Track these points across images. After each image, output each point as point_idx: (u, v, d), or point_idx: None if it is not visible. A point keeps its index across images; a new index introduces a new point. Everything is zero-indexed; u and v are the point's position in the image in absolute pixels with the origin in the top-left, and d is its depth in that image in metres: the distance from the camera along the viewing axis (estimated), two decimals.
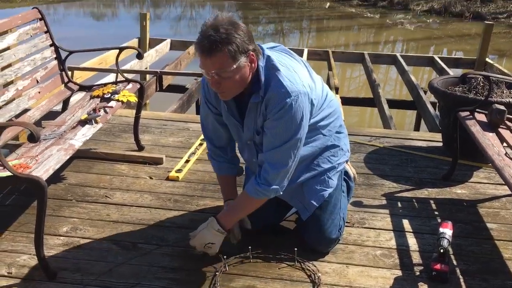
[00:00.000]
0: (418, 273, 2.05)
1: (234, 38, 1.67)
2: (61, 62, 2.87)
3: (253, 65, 1.76)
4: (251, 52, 1.73)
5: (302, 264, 2.06)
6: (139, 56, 2.89)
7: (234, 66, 1.71)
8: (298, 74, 1.84)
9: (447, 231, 2.08)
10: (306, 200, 2.10)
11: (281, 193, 1.96)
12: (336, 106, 2.13)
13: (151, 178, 2.79)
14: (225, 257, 2.03)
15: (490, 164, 2.95)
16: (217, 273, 1.93)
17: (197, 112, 5.17)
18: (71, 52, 2.91)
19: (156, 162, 2.96)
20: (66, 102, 2.98)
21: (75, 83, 2.95)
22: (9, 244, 2.14)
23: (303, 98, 1.81)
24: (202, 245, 1.99)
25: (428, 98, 4.69)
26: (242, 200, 2.04)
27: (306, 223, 2.12)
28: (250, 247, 2.08)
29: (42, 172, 1.91)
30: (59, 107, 3.14)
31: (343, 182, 2.24)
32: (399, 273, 2.05)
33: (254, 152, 2.03)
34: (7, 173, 1.80)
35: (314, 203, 2.09)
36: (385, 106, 4.53)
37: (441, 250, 2.01)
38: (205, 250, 2.00)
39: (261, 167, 1.94)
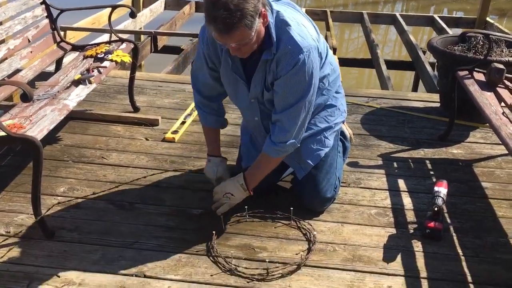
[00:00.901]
0: (412, 231, 2.08)
1: (247, 10, 1.60)
2: (52, 20, 2.81)
3: (265, 20, 1.71)
4: (263, 10, 1.67)
5: (297, 223, 2.08)
6: (132, 15, 2.83)
7: (253, 34, 1.67)
8: (307, 28, 1.81)
9: (442, 189, 2.09)
10: (302, 159, 2.10)
11: (299, 145, 1.97)
12: (335, 65, 2.11)
13: (147, 139, 2.78)
14: (222, 216, 2.04)
15: (487, 124, 2.95)
16: (213, 231, 1.95)
17: None
18: (62, 10, 2.84)
19: (152, 123, 2.94)
20: (59, 63, 2.93)
21: (68, 43, 2.90)
22: (6, 204, 2.15)
23: (314, 52, 1.79)
24: (222, 192, 2.00)
25: (427, 59, 4.64)
26: (264, 161, 2.01)
27: (302, 182, 2.13)
28: (246, 207, 2.09)
29: (37, 132, 1.90)
30: (52, 68, 3.09)
31: (339, 142, 2.24)
32: (393, 231, 2.07)
33: (257, 110, 2.00)
34: (1, 133, 1.79)
35: (310, 162, 2.10)
36: (383, 67, 4.48)
37: (436, 209, 2.03)
38: (223, 200, 2.01)
39: (275, 124, 1.92)
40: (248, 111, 2.06)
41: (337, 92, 2.15)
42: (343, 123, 2.25)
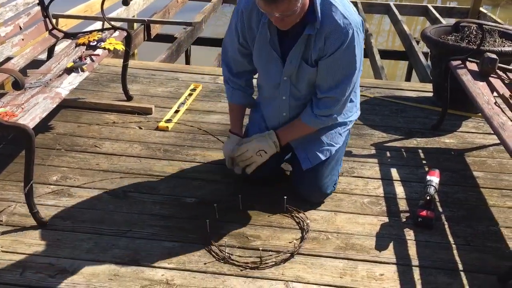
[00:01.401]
0: (404, 220, 2.09)
1: None
2: (44, 8, 2.77)
3: None
4: None
5: (291, 211, 2.09)
6: (125, 2, 2.79)
7: (298, 5, 1.65)
8: (350, 5, 1.80)
9: (434, 178, 2.11)
10: (312, 151, 2.08)
11: (339, 120, 2.02)
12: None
13: (140, 128, 2.77)
14: (215, 205, 2.05)
15: (479, 114, 2.97)
16: (207, 220, 1.96)
17: (187, 62, 5.09)
18: None
19: (145, 112, 2.93)
20: (51, 51, 2.90)
21: (60, 30, 2.87)
22: None
23: (361, 28, 1.80)
24: (255, 150, 2.02)
25: (421, 49, 4.64)
26: (300, 127, 2.03)
27: (303, 174, 2.10)
28: (240, 196, 2.10)
29: (29, 120, 1.88)
30: (44, 56, 3.06)
31: (347, 140, 2.24)
32: (385, 219, 2.09)
33: (288, 90, 1.99)
34: None
35: (321, 156, 2.07)
36: (377, 57, 4.48)
37: (428, 197, 2.05)
38: (255, 158, 2.02)
39: (319, 100, 1.93)
40: (276, 90, 2.02)
41: (356, 88, 2.14)
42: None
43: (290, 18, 1.70)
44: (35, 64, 2.77)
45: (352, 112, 2.15)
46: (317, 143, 2.08)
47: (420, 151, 2.67)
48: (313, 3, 1.74)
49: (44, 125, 2.66)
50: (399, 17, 5.74)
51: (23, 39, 2.60)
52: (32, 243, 1.86)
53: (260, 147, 2.02)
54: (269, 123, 2.13)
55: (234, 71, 2.08)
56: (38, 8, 2.77)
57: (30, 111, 1.96)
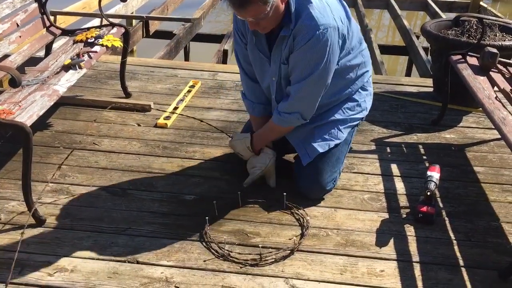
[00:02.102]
0: (404, 216, 2.08)
1: None
2: (41, 4, 2.75)
3: None
4: None
5: (291, 208, 2.08)
6: None
7: (268, 9, 1.70)
8: (330, 7, 1.82)
9: (434, 174, 2.10)
10: (310, 144, 2.08)
11: (304, 121, 2.02)
12: (367, 59, 2.13)
13: (139, 125, 2.76)
14: (215, 202, 2.04)
15: (479, 109, 2.95)
16: (206, 217, 1.95)
17: (186, 59, 5.07)
18: None
19: (144, 109, 2.91)
20: (49, 48, 2.89)
21: (58, 27, 2.85)
22: None
23: (332, 32, 1.80)
24: (236, 151, 2.20)
25: (421, 43, 4.62)
26: (269, 127, 2.10)
27: (304, 170, 2.10)
28: (239, 193, 2.09)
29: (26, 118, 1.87)
30: (41, 53, 3.05)
31: (351, 139, 2.24)
32: (386, 215, 2.08)
33: (274, 89, 2.04)
34: None
35: (318, 148, 2.07)
36: (377, 52, 4.46)
37: (428, 193, 2.04)
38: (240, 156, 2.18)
39: (286, 95, 1.98)
40: (268, 90, 2.09)
41: (363, 89, 2.16)
42: (362, 120, 2.24)
43: (264, 22, 1.76)
44: (33, 61, 2.76)
45: (354, 111, 2.15)
46: (315, 137, 2.09)
47: (420, 146, 2.65)
48: (289, 4, 1.78)
49: (42, 123, 2.65)
50: (399, 11, 5.72)
51: (20, 36, 2.58)
52: (31, 241, 1.85)
53: (236, 150, 2.19)
54: None
55: (250, 76, 2.13)
56: (35, 5, 2.75)
57: (27, 108, 1.94)
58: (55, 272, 1.71)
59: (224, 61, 4.26)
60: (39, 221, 1.93)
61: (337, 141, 2.11)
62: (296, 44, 1.83)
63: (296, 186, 2.15)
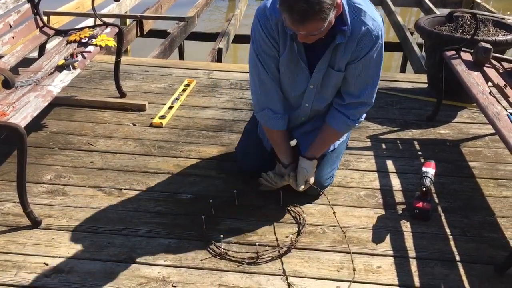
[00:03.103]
0: (400, 212, 2.09)
1: (325, 4, 1.57)
2: (34, 5, 2.74)
3: (339, 10, 1.68)
4: (338, 1, 1.64)
5: (287, 206, 2.08)
6: None
7: (325, 25, 1.64)
8: (372, 5, 1.83)
9: (430, 170, 2.10)
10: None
11: None
12: None
13: (134, 125, 2.75)
14: (211, 201, 2.04)
15: (474, 104, 2.96)
16: (203, 216, 1.95)
17: (180, 58, 5.05)
18: None
19: (139, 108, 2.91)
20: (42, 48, 2.87)
21: (51, 28, 2.84)
22: None
23: (384, 30, 1.84)
24: (305, 180, 2.03)
25: (415, 40, 4.63)
26: (331, 136, 2.06)
27: None
28: (235, 191, 2.09)
29: (20, 119, 1.86)
30: (35, 54, 3.03)
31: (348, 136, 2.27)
32: (382, 212, 2.08)
33: (312, 97, 2.00)
34: None
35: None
36: None
37: (424, 189, 2.04)
38: (306, 186, 2.04)
39: (347, 105, 1.95)
40: (299, 99, 2.01)
41: None
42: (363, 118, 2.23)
43: (316, 36, 1.69)
44: (26, 62, 2.74)
45: None
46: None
47: (415, 142, 2.66)
48: (343, 12, 1.73)
49: (36, 124, 2.64)
50: (393, 8, 5.72)
51: (13, 37, 2.57)
52: (27, 243, 1.85)
53: (310, 175, 2.04)
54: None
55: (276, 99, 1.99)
56: (28, 5, 2.74)
57: (21, 110, 1.93)
58: (51, 274, 1.71)
59: (219, 59, 4.25)
60: (35, 223, 1.92)
61: (341, 140, 2.15)
62: (362, 49, 1.81)
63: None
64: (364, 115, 2.02)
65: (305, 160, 2.01)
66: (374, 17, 1.79)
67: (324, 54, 1.84)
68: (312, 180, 2.04)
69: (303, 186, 2.02)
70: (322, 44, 1.80)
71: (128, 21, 5.31)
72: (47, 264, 1.75)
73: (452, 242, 1.93)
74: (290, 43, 1.84)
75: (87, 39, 2.63)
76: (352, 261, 1.80)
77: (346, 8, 1.74)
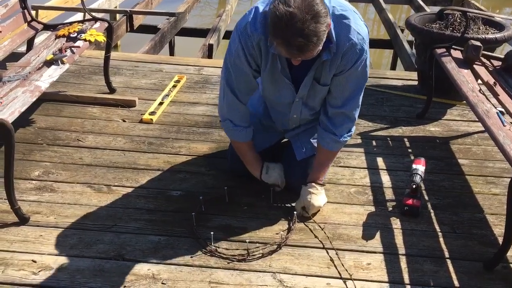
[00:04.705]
0: (390, 209, 2.09)
1: (321, 32, 1.54)
2: None
3: (329, 28, 1.63)
4: (329, 21, 1.59)
5: (277, 203, 2.08)
6: None
7: (319, 48, 1.61)
8: (358, 14, 1.79)
9: (419, 167, 2.11)
10: (309, 143, 2.10)
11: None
12: None
13: (124, 121, 2.73)
14: (201, 197, 2.03)
15: (464, 102, 2.98)
16: (193, 213, 1.94)
17: (171, 54, 5.02)
18: None
19: (129, 104, 2.88)
20: (30, 43, 2.83)
21: (39, 22, 2.80)
22: None
23: (368, 38, 1.80)
24: (317, 208, 2.02)
25: (406, 37, 4.65)
26: (326, 156, 2.03)
27: (295, 167, 2.09)
28: (226, 188, 2.08)
29: (8, 114, 1.84)
30: (23, 48, 2.99)
31: None
32: (372, 209, 2.09)
33: (299, 109, 1.99)
34: None
35: (316, 145, 2.08)
36: None
37: (414, 186, 2.05)
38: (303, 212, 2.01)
39: (334, 119, 1.93)
40: (287, 109, 2.01)
41: None
42: None
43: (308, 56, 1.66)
44: (14, 57, 2.71)
45: None
46: (313, 134, 2.09)
47: (405, 139, 2.67)
48: (330, 28, 1.68)
49: (24, 119, 2.60)
50: (384, 5, 5.74)
51: (0, 31, 2.53)
52: (14, 239, 1.82)
53: (322, 202, 2.03)
54: (278, 127, 2.15)
55: (244, 102, 1.96)
56: None
57: (9, 105, 1.91)
58: (39, 271, 1.69)
59: (209, 55, 4.23)
60: (23, 219, 1.90)
61: None
62: (347, 62, 1.78)
63: (287, 182, 2.12)
64: (353, 130, 1.99)
65: (304, 187, 2.02)
66: (359, 30, 1.75)
67: (310, 71, 1.83)
68: (311, 208, 2.00)
69: (300, 211, 2.01)
70: (306, 60, 1.75)
71: (118, 16, 5.26)
72: (35, 261, 1.73)
73: (441, 239, 1.94)
74: (272, 61, 1.82)
75: (76, 34, 2.60)
76: (339, 258, 1.81)
77: (332, 24, 1.70)
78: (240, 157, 2.11)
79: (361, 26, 1.77)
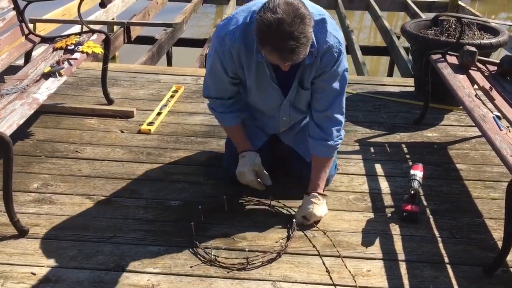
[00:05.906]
0: (389, 215, 2.10)
1: (309, 33, 1.58)
2: (19, 12, 2.72)
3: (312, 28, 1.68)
4: (313, 24, 1.63)
5: (276, 210, 2.08)
6: (102, 5, 2.75)
7: (308, 49, 1.65)
8: (334, 21, 1.83)
9: (417, 173, 2.12)
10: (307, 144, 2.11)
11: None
12: None
13: (122, 131, 2.73)
14: (200, 207, 2.03)
15: (460, 107, 2.99)
16: (192, 223, 1.94)
17: (168, 64, 5.04)
18: (29, 2, 2.75)
19: (127, 115, 2.89)
20: (28, 56, 2.84)
21: (37, 35, 2.82)
22: None
23: (343, 39, 1.85)
24: (319, 217, 2.01)
25: (402, 44, 4.67)
26: (322, 164, 2.02)
27: (306, 167, 2.09)
28: (225, 197, 2.08)
29: (6, 127, 1.84)
30: (21, 62, 3.01)
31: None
32: (371, 215, 2.09)
33: (288, 110, 2.03)
34: None
35: None
36: (358, 53, 4.50)
37: (412, 192, 2.06)
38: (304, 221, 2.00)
39: (322, 124, 1.95)
40: (276, 112, 2.05)
41: None
42: None
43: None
44: (12, 70, 2.72)
45: None
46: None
47: (403, 145, 2.68)
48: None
49: (23, 132, 2.61)
50: (379, 12, 5.77)
51: None
52: (14, 252, 1.82)
53: (323, 213, 2.03)
54: (268, 131, 2.19)
55: (225, 98, 2.03)
56: (13, 12, 2.71)
57: (7, 118, 1.91)
58: (39, 284, 1.69)
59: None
60: (22, 232, 1.90)
61: None
62: (325, 65, 1.82)
63: (298, 180, 2.15)
64: (343, 133, 2.01)
65: (306, 197, 2.02)
66: (335, 34, 1.80)
67: (296, 74, 1.86)
68: (312, 217, 1.99)
69: (300, 220, 2.00)
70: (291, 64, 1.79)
71: (115, 27, 5.29)
72: (34, 274, 1.72)
73: (440, 244, 1.94)
74: (258, 68, 1.84)
75: (73, 46, 2.61)
76: (339, 265, 1.80)
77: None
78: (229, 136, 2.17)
79: (337, 31, 1.82)
